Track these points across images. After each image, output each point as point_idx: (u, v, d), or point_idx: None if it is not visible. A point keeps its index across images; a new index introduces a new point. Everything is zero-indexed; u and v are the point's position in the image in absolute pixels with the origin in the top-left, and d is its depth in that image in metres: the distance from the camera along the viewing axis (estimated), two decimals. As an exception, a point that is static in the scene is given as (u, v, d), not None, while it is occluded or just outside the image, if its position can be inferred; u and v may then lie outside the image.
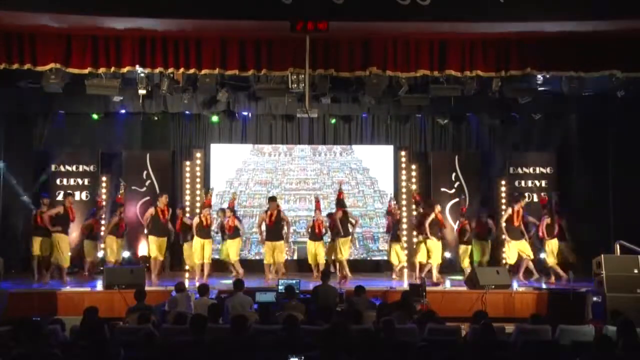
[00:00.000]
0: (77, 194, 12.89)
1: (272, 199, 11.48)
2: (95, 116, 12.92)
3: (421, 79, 10.74)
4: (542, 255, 11.73)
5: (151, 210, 11.48)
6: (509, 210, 11.64)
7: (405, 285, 10.64)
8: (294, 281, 9.68)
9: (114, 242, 11.62)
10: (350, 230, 11.70)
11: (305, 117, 11.37)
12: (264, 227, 11.61)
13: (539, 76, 10.13)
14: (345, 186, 13.02)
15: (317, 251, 11.55)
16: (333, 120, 13.52)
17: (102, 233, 12.20)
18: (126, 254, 12.39)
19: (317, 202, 12.07)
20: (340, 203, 11.76)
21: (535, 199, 13.09)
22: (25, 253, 11.81)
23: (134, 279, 9.71)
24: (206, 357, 5.36)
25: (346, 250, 11.44)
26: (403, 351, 5.35)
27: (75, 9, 8.73)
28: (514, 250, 11.40)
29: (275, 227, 11.19)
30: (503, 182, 13.43)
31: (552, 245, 11.43)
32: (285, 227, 11.58)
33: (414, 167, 13.60)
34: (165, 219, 11.42)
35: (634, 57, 9.54)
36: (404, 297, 8.27)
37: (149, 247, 11.50)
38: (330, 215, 11.88)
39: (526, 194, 12.81)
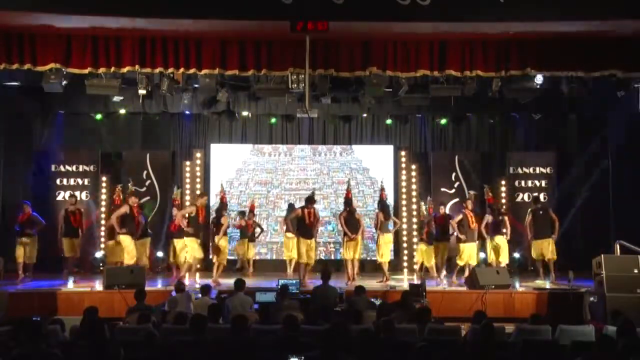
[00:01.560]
0: (77, 194, 12.90)
1: (312, 200, 11.13)
2: (99, 116, 12.94)
3: (421, 79, 10.73)
4: (482, 255, 11.67)
5: (191, 209, 11.01)
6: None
7: (406, 285, 10.63)
8: (293, 281, 9.68)
9: (131, 244, 11.59)
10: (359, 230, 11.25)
11: (305, 117, 11.36)
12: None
13: (538, 76, 10.07)
14: (345, 186, 13.00)
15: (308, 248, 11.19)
16: (331, 121, 13.52)
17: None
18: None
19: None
20: (347, 202, 11.48)
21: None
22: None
23: (134, 279, 9.69)
24: (206, 357, 5.36)
25: (350, 251, 11.14)
26: (403, 351, 5.35)
27: (75, 9, 8.73)
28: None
29: (310, 226, 10.96)
30: (503, 182, 13.44)
31: (497, 242, 11.31)
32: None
33: (414, 167, 13.61)
34: (203, 219, 11.06)
35: (634, 57, 9.54)
36: (404, 297, 8.26)
37: (191, 249, 10.97)
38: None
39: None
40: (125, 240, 10.80)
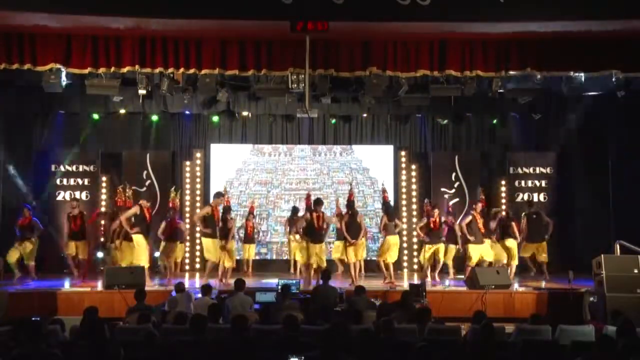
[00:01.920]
0: (77, 194, 12.92)
1: (320, 202, 10.94)
2: (95, 116, 12.94)
3: (421, 79, 10.73)
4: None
5: (207, 209, 10.86)
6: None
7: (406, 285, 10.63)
8: (293, 281, 9.69)
9: (144, 243, 11.57)
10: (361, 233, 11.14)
11: (305, 117, 11.36)
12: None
13: (538, 76, 10.07)
14: (345, 186, 13.02)
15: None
16: (333, 121, 13.55)
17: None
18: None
19: (308, 198, 11.87)
20: (349, 205, 11.34)
21: (536, 199, 13.23)
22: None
23: (134, 279, 9.69)
24: (206, 357, 5.36)
25: (351, 254, 11.04)
26: (403, 351, 5.35)
27: (75, 9, 8.73)
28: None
29: (319, 230, 10.79)
30: (503, 182, 13.45)
31: (507, 245, 11.40)
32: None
33: (414, 167, 13.63)
34: (219, 220, 10.89)
35: (634, 57, 9.54)
36: (404, 297, 8.26)
37: (206, 249, 10.88)
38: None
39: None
40: (139, 239, 10.70)
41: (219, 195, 11.08)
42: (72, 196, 12.82)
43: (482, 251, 11.08)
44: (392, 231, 11.29)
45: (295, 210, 12.35)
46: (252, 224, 12.57)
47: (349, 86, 11.41)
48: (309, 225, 10.80)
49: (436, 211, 11.55)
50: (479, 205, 11.32)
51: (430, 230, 11.42)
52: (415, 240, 13.30)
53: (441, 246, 11.45)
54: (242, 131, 13.76)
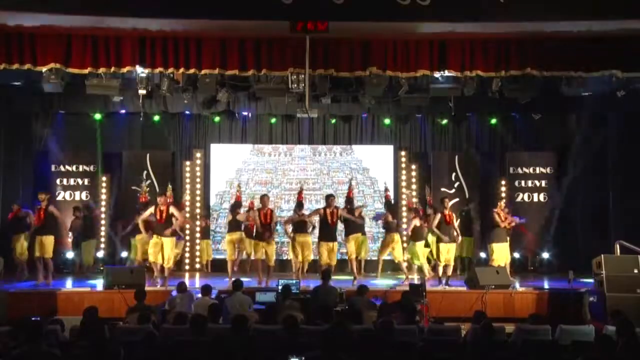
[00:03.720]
0: (77, 194, 12.93)
1: (332, 197, 10.81)
2: (98, 116, 12.94)
3: (421, 79, 10.73)
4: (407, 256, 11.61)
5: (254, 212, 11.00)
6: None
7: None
8: (293, 281, 9.69)
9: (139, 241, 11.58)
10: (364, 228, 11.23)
11: (305, 117, 11.36)
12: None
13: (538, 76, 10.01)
14: (346, 186, 12.99)
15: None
16: (333, 120, 13.53)
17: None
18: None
19: (300, 194, 11.89)
20: (347, 201, 11.38)
21: (536, 199, 13.24)
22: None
23: (134, 279, 9.68)
24: (206, 357, 5.37)
25: (351, 249, 11.08)
26: (403, 351, 5.36)
27: (75, 9, 8.73)
28: None
29: (333, 226, 10.70)
30: (503, 182, 13.45)
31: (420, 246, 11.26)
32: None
33: (414, 167, 13.62)
34: (267, 221, 10.82)
35: (634, 57, 9.53)
36: (404, 297, 8.27)
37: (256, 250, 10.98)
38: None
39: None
40: (154, 240, 10.67)
41: (262, 197, 11.15)
42: (72, 196, 12.84)
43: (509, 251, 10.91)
44: (395, 229, 11.39)
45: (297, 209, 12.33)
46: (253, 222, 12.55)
47: (349, 86, 11.41)
48: (321, 222, 10.73)
49: (447, 202, 10.93)
50: (501, 202, 11.24)
51: (446, 225, 10.67)
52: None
53: (453, 245, 10.79)
54: (242, 131, 13.76)
